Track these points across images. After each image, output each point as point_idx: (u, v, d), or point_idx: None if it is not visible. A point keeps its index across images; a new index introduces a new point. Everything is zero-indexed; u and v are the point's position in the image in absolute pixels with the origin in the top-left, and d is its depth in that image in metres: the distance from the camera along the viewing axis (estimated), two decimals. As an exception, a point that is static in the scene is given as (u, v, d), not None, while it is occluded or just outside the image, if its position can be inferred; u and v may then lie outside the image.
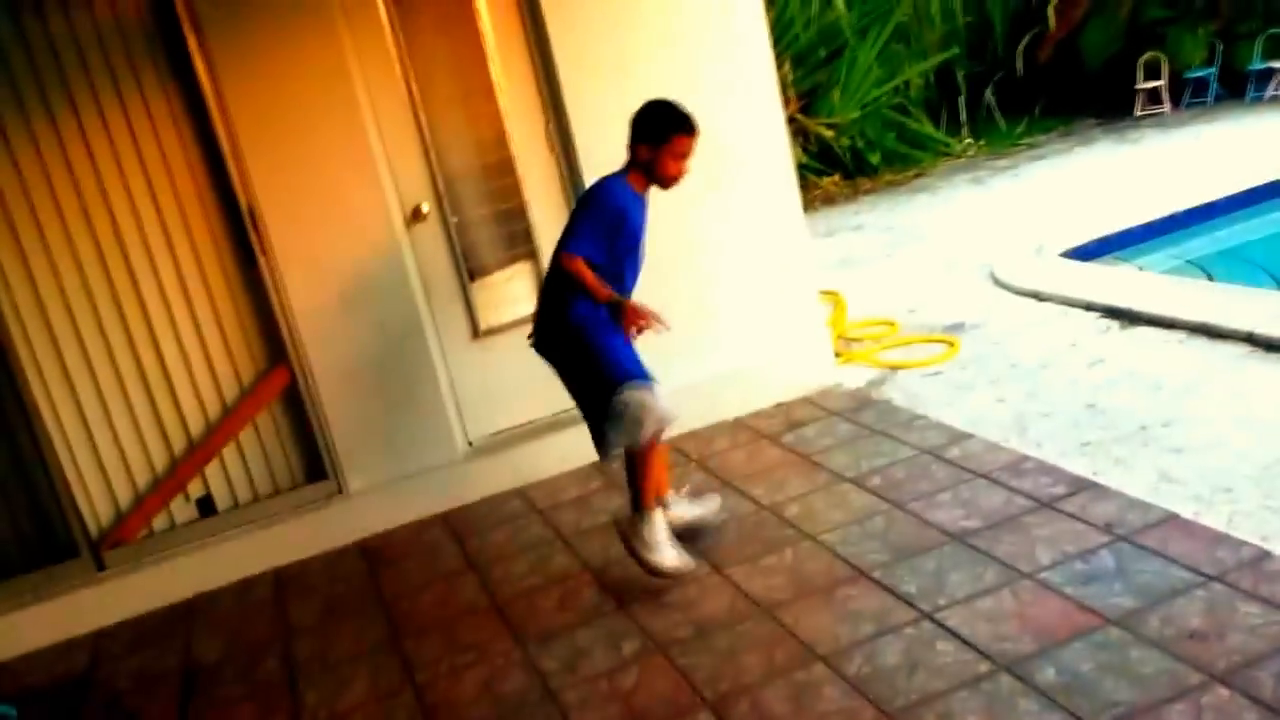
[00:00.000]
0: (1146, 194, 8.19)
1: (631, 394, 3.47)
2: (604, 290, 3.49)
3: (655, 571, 3.60)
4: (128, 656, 4.13)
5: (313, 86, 4.41)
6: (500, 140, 4.75)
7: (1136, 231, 7.32)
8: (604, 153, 4.60)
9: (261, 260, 4.48)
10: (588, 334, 3.57)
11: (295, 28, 4.36)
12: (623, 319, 3.48)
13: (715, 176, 4.83)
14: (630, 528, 3.63)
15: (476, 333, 4.85)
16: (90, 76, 4.28)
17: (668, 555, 3.60)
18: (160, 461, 4.59)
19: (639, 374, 3.53)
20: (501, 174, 4.78)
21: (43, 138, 4.26)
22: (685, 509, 3.92)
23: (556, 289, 3.62)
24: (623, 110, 4.59)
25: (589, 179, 4.69)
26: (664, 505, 3.74)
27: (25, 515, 4.48)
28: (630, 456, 3.62)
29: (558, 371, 3.74)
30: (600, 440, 3.61)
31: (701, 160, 4.81)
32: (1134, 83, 12.22)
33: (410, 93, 4.62)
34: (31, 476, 4.43)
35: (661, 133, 3.51)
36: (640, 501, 3.63)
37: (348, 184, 4.50)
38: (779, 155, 5.11)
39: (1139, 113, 12.17)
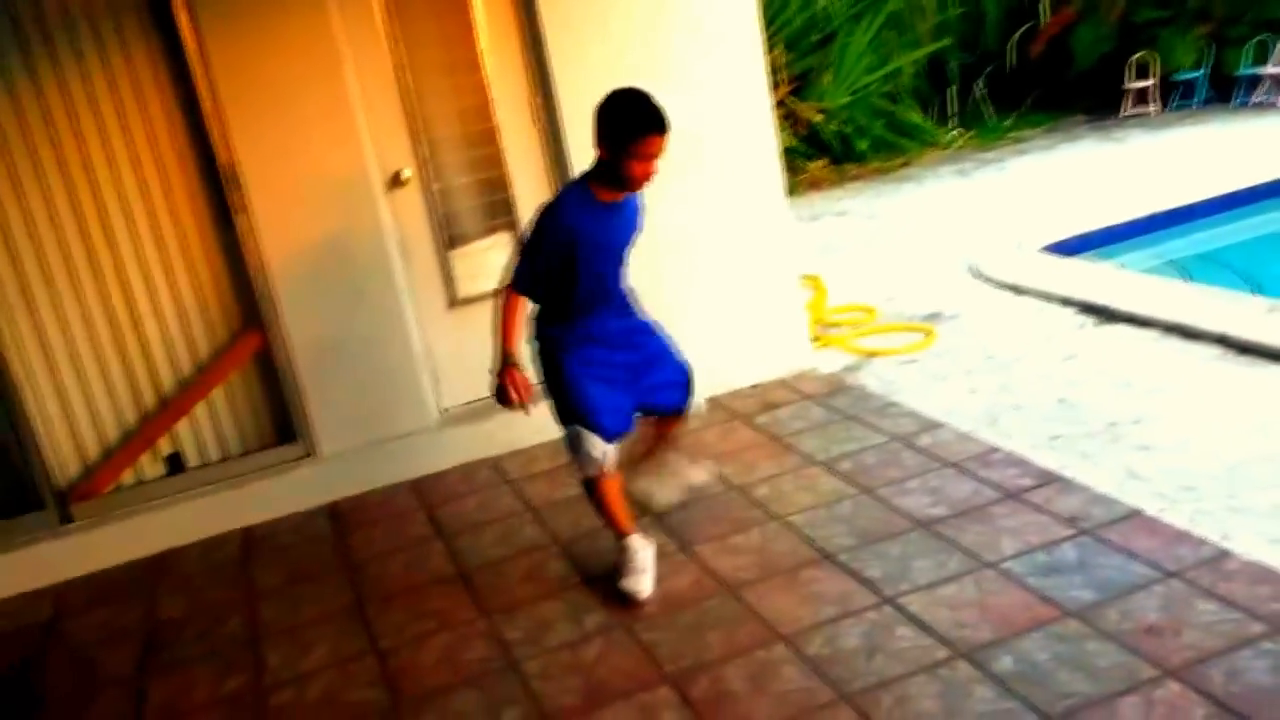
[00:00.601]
0: (1129, 193, 8.23)
1: (576, 431, 3.41)
2: (507, 341, 3.30)
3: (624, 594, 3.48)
4: (91, 610, 4.11)
5: (297, 48, 4.36)
6: (484, 110, 4.72)
7: (1118, 230, 7.36)
8: (588, 126, 4.62)
9: (238, 220, 4.44)
10: (551, 357, 3.46)
11: (282, -13, 4.32)
12: (503, 379, 3.31)
13: (699, 156, 4.84)
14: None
15: (453, 301, 4.83)
16: (74, 33, 4.22)
17: (638, 583, 3.47)
18: (131, 417, 4.56)
19: (591, 419, 3.39)
20: (484, 143, 4.75)
21: (22, 90, 4.20)
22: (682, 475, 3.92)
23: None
24: (610, 85, 4.59)
25: (572, 151, 4.70)
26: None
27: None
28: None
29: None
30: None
31: (686, 139, 4.81)
32: (1123, 82, 12.26)
33: (396, 57, 4.58)
34: (-1, 427, 4.40)
35: (622, 135, 3.14)
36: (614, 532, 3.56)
37: (328, 146, 4.46)
38: (764, 137, 5.10)
39: (1126, 112, 12.22)
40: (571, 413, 3.43)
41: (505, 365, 3.30)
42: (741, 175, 5.03)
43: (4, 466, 4.43)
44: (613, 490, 3.51)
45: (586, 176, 3.32)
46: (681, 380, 3.65)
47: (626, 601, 3.43)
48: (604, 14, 4.69)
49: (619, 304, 3.53)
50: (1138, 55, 12.18)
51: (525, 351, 3.43)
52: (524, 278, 3.30)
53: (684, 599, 3.42)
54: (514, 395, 3.30)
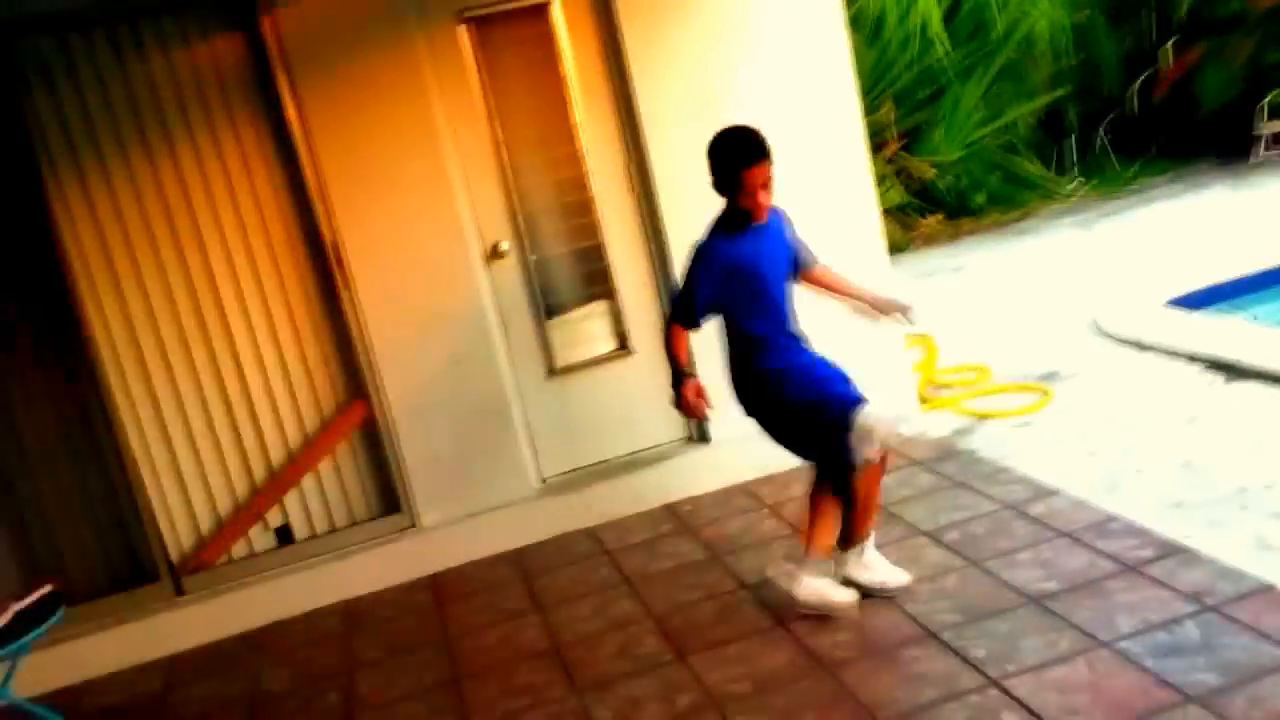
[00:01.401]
0: (1261, 241, 7.82)
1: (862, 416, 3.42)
2: (678, 358, 3.48)
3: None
4: (199, 681, 4.20)
5: (397, 126, 4.49)
6: (580, 180, 4.76)
7: (1249, 280, 6.98)
8: (684, 193, 4.64)
9: (344, 295, 4.56)
10: (784, 385, 3.52)
11: (381, 70, 4.46)
12: (680, 392, 3.46)
13: (798, 218, 4.76)
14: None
15: (552, 370, 4.85)
16: (187, 117, 4.44)
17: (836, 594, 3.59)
18: (242, 489, 4.68)
19: (848, 396, 3.48)
20: (581, 213, 4.80)
21: (140, 175, 4.42)
22: (873, 572, 3.72)
23: (728, 357, 3.62)
24: (703, 149, 4.59)
25: (668, 219, 4.70)
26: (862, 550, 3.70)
27: (111, 539, 4.61)
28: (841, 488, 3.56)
29: (768, 430, 3.67)
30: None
31: (785, 202, 4.79)
32: (1252, 127, 11.75)
33: (493, 133, 4.67)
34: (118, 501, 4.56)
35: (731, 169, 3.36)
36: (851, 534, 3.64)
37: (429, 222, 4.57)
38: (863, 196, 5.03)
39: (1258, 158, 11.68)
40: (824, 410, 3.45)
41: (681, 378, 3.45)
42: (839, 235, 4.92)
43: (121, 540, 4.59)
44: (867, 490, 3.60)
45: (720, 219, 3.49)
46: None
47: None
48: (697, 79, 4.70)
49: (798, 335, 3.63)
50: (1269, 97, 11.67)
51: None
52: (681, 309, 3.52)
53: (779, 678, 3.30)
54: (693, 400, 3.45)
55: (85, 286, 4.39)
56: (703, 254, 3.45)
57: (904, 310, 3.80)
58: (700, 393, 3.46)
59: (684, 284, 3.52)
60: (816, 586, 3.58)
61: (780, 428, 3.62)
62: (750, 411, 3.62)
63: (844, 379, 3.56)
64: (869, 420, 3.41)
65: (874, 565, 3.70)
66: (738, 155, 3.34)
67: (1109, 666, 3.01)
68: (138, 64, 4.37)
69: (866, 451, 3.42)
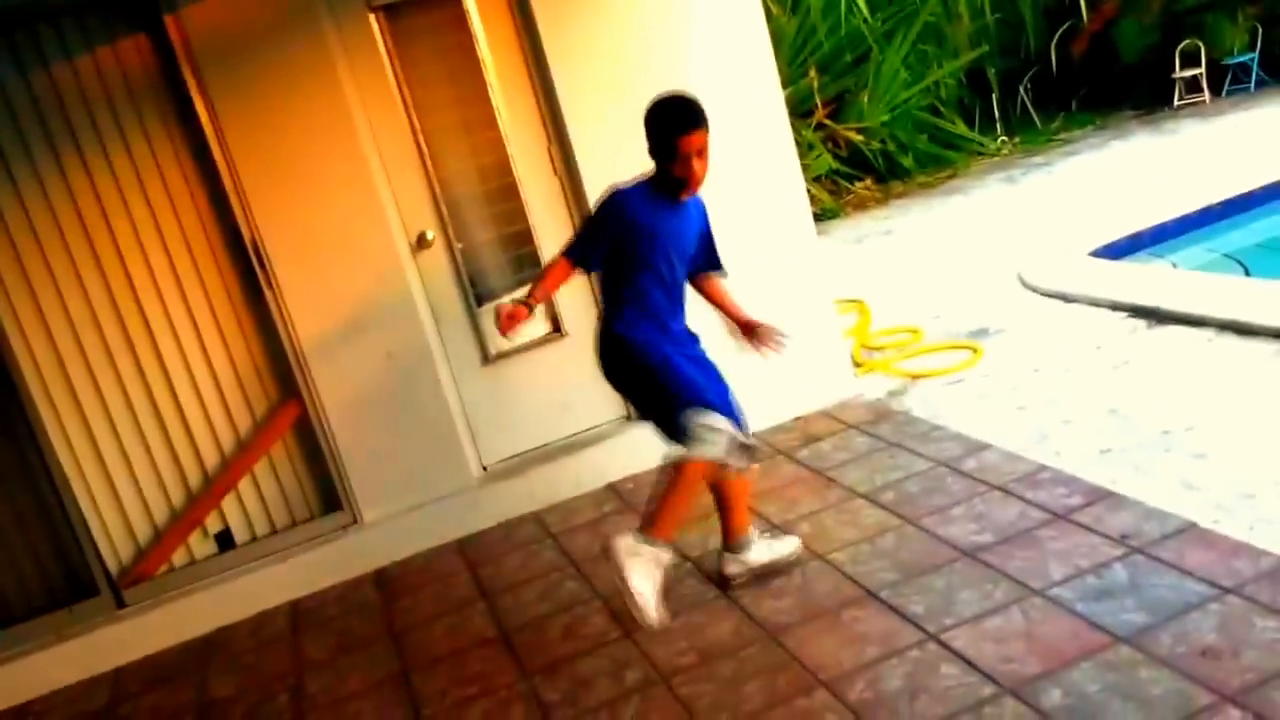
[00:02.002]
0: (1182, 186, 8.00)
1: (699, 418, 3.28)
2: (535, 288, 3.33)
3: (631, 599, 3.18)
4: (146, 693, 4.14)
5: (313, 121, 4.43)
6: (503, 165, 4.73)
7: (1170, 226, 7.15)
8: (606, 171, 4.61)
9: (268, 294, 4.50)
10: (641, 351, 3.41)
11: (293, 64, 4.38)
12: (507, 309, 3.26)
13: (723, 187, 4.78)
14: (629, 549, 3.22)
15: (487, 358, 4.83)
16: (95, 122, 4.33)
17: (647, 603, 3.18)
18: (178, 497, 4.61)
19: (708, 400, 3.33)
20: (506, 198, 4.77)
21: (51, 184, 4.30)
22: (764, 551, 3.71)
23: (600, 317, 3.58)
24: (623, 127, 4.58)
25: (593, 199, 4.68)
26: (744, 546, 3.67)
27: (47, 555, 4.52)
28: (674, 471, 3.30)
29: (622, 392, 3.76)
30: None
31: (711, 176, 4.80)
32: (1171, 73, 11.97)
33: (411, 123, 4.62)
34: (51, 517, 4.46)
35: (667, 136, 3.27)
36: (652, 522, 3.27)
37: (351, 215, 4.51)
38: (787, 164, 5.04)
39: (1178, 103, 11.92)
40: (676, 399, 3.33)
41: (520, 302, 3.28)
42: (766, 206, 4.98)
43: (58, 556, 4.52)
44: (735, 491, 3.62)
45: (650, 179, 3.41)
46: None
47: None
48: (613, 58, 4.69)
49: (682, 310, 3.56)
50: (1184, 43, 11.89)
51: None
52: (577, 248, 3.46)
53: (724, 648, 3.34)
54: (504, 318, 3.25)
55: (0, 300, 4.29)
56: (615, 205, 3.38)
57: (775, 339, 3.70)
58: (515, 318, 3.24)
59: (589, 225, 3.52)
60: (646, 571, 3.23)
61: (635, 395, 3.69)
62: (609, 376, 3.56)
63: (712, 383, 3.45)
64: (712, 423, 3.26)
65: (762, 548, 3.71)
66: (673, 122, 3.28)
67: (1042, 614, 3.09)
68: (40, 71, 4.26)
69: (724, 457, 3.29)
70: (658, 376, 3.39)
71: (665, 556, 3.24)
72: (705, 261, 3.65)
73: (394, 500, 4.70)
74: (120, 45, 4.35)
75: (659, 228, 3.39)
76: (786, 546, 3.75)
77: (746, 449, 3.40)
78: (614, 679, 3.32)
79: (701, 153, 3.30)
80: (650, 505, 3.39)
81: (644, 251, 3.39)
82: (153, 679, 4.25)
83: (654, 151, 3.34)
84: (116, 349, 4.46)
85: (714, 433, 3.26)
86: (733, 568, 3.68)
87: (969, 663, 2.95)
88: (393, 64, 4.58)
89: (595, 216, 3.48)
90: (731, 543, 3.68)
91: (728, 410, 3.37)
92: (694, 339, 3.59)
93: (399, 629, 4.08)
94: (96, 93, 4.33)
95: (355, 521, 4.69)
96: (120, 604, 4.51)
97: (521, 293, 3.35)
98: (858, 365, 5.66)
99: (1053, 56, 12.99)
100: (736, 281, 4.88)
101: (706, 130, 3.30)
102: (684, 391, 3.34)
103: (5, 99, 4.23)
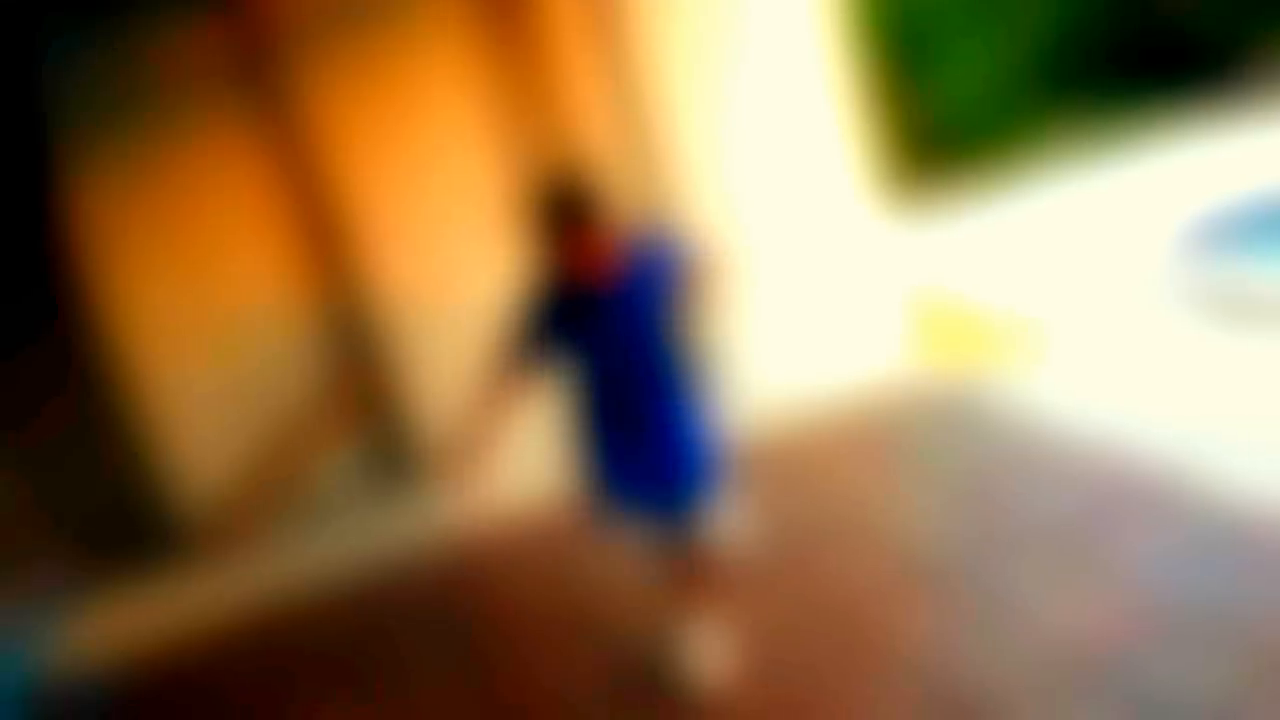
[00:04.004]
0: (1262, 177, 7.77)
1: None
2: None
3: None
4: (221, 654, 4.23)
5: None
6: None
7: (1253, 223, 6.93)
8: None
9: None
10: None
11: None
12: None
13: (777, 163, 4.80)
14: None
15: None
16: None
17: None
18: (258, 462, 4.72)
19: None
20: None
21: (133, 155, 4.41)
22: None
23: None
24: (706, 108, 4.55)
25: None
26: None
27: (125, 519, 4.65)
28: None
29: None
30: None
31: (761, 146, 4.77)
32: (1250, 57, 11.62)
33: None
34: (138, 473, 4.60)
35: (541, 238, 2.82)
36: None
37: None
38: (846, 142, 4.99)
39: (1256, 88, 11.56)
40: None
41: None
42: (827, 177, 4.94)
43: (141, 512, 4.64)
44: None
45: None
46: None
47: None
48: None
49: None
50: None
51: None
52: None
53: (784, 625, 3.34)
54: None
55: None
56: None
57: None
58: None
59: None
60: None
61: None
62: None
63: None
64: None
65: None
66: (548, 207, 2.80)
67: (1121, 601, 3.04)
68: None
69: None
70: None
71: None
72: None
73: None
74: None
75: (583, 327, 2.93)
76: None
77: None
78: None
79: (575, 253, 2.79)
80: None
81: (577, 353, 2.99)
82: (225, 641, 4.33)
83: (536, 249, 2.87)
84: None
85: None
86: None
87: (1051, 636, 2.92)
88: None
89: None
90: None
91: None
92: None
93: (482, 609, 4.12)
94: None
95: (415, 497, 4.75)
96: (186, 565, 4.61)
97: None
98: (921, 349, 5.60)
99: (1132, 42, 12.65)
100: (803, 259, 4.91)
101: (589, 224, 2.79)
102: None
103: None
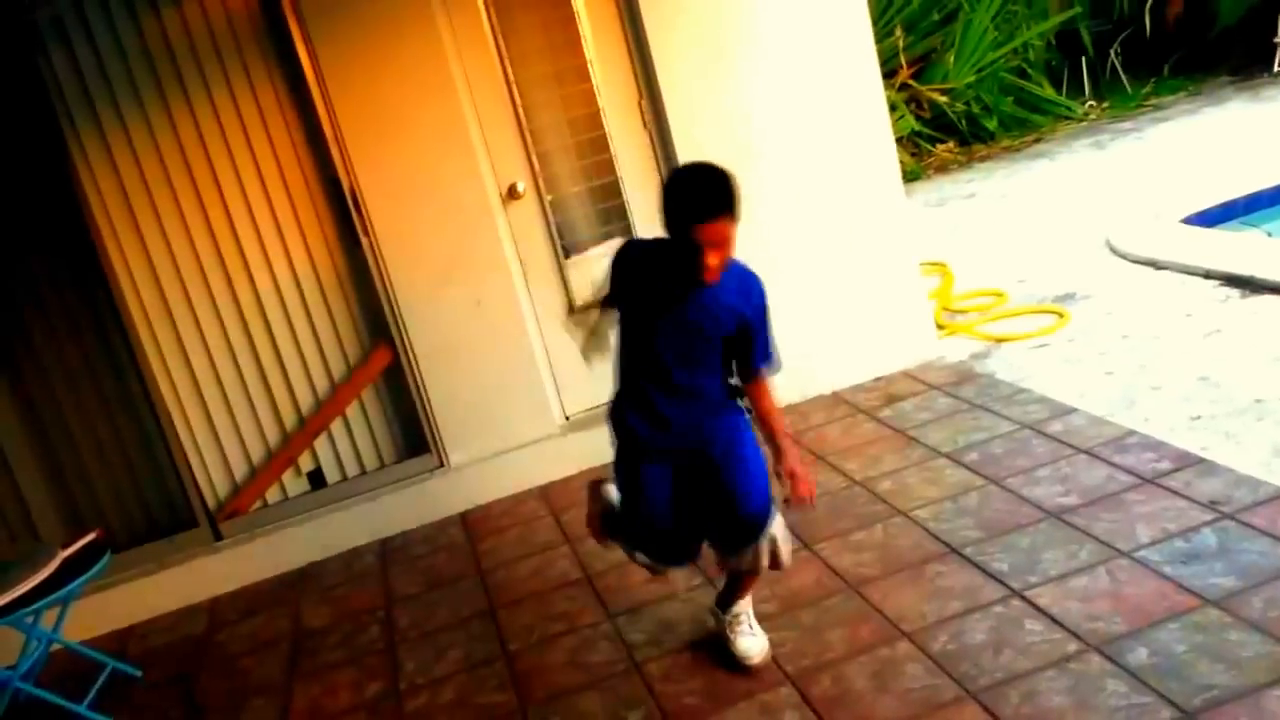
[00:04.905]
0: (1278, 155, 7.77)
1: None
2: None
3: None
4: (242, 621, 4.33)
5: (411, 70, 4.50)
6: (594, 117, 4.77)
7: (1265, 195, 6.96)
8: (696, 127, 4.69)
9: (364, 241, 4.60)
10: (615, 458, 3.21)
11: (394, 13, 4.45)
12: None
13: (808, 147, 4.81)
14: None
15: (572, 309, 4.90)
16: (202, 68, 4.46)
17: None
18: (273, 436, 4.77)
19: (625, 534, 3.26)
20: (595, 151, 4.81)
21: (158, 129, 4.45)
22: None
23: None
24: (714, 85, 4.61)
25: (681, 152, 4.72)
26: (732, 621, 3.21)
27: (149, 488, 4.73)
28: None
29: None
30: None
31: (798, 129, 4.80)
32: (1273, 36, 11.57)
33: (505, 74, 4.67)
34: (154, 452, 4.66)
35: (676, 221, 2.69)
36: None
37: (445, 164, 4.59)
38: (877, 125, 5.01)
39: (1278, 68, 11.53)
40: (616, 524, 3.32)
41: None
42: (854, 163, 4.96)
43: (159, 489, 4.71)
44: None
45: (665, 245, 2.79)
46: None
47: None
48: (706, 11, 4.68)
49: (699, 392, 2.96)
50: (1288, 6, 11.48)
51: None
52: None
53: (805, 597, 3.40)
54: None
55: (110, 242, 4.45)
56: (620, 254, 3.00)
57: (801, 496, 2.94)
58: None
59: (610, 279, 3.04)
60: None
61: None
62: None
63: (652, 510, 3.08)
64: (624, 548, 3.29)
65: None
66: (692, 207, 2.65)
67: (1129, 575, 3.09)
68: (150, 16, 4.39)
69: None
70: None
71: None
72: (745, 364, 2.96)
73: (480, 445, 4.81)
74: (226, -9, 4.47)
75: (671, 312, 2.83)
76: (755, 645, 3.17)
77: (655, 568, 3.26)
78: (696, 623, 3.40)
79: (719, 245, 2.65)
80: None
81: (641, 333, 2.91)
82: (248, 608, 4.43)
83: (668, 229, 2.74)
84: (218, 292, 4.61)
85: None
86: (714, 622, 3.28)
87: (1053, 620, 2.97)
88: (489, 13, 4.62)
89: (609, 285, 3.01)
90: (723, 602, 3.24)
91: (644, 538, 3.18)
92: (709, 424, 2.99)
93: (485, 568, 4.21)
94: (203, 38, 4.44)
95: (442, 465, 4.82)
96: (217, 536, 4.70)
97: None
98: (940, 328, 5.63)
99: (1146, 19, 12.62)
100: (822, 239, 4.94)
101: (732, 218, 2.66)
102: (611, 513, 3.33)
103: (118, 45, 4.37)
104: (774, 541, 3.00)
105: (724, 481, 2.94)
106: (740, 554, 3.01)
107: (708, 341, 2.86)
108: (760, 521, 2.96)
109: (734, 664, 3.13)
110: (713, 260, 2.65)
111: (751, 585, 3.18)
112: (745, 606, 3.19)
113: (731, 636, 3.16)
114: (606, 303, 3.07)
